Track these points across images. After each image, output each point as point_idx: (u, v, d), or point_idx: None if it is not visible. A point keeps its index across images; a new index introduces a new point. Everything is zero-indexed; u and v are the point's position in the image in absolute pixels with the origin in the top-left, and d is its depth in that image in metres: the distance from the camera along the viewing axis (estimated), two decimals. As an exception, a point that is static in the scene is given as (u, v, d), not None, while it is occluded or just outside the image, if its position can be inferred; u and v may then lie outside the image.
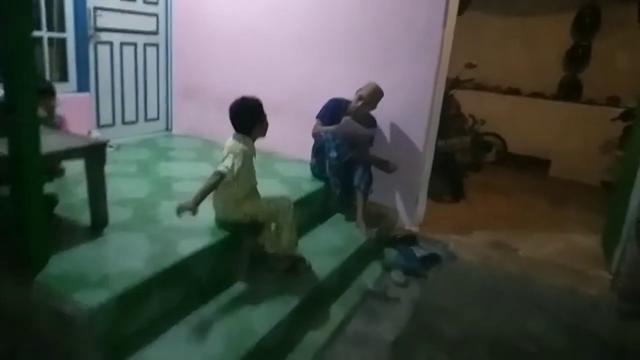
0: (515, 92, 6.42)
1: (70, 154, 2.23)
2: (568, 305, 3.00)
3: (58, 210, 2.50)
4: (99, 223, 2.39)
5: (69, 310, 1.79)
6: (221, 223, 2.56)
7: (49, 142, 2.04)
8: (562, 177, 5.99)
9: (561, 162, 6.06)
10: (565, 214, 4.72)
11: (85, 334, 1.78)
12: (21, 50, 1.78)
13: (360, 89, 3.46)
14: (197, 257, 2.28)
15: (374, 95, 3.44)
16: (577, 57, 6.07)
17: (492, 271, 3.35)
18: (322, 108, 3.60)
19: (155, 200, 2.86)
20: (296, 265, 2.62)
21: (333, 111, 3.53)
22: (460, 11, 4.90)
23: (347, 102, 3.53)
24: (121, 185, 3.06)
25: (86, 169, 2.32)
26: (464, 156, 4.73)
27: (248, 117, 2.45)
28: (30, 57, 1.88)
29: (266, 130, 2.55)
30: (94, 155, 2.31)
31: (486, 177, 5.58)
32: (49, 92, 3.04)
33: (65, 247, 2.17)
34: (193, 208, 2.22)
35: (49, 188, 2.78)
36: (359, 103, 3.42)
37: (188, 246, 2.30)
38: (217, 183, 2.32)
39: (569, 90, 6.17)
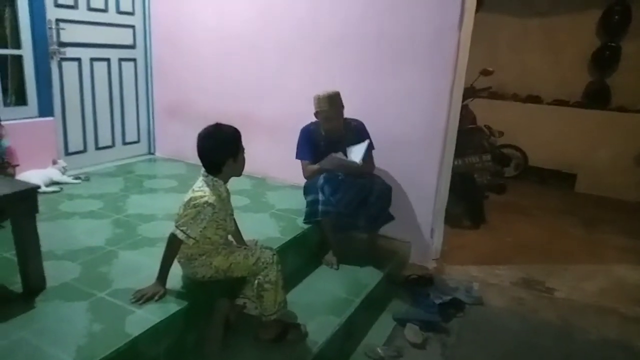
0: (535, 99, 5.84)
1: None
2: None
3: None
4: (31, 289, 1.88)
5: None
6: (188, 280, 2.04)
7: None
8: (590, 193, 5.41)
9: (589, 176, 5.47)
10: (601, 240, 4.13)
11: None
12: None
13: (315, 111, 2.87)
14: (151, 335, 1.75)
15: (333, 103, 2.79)
16: (604, 60, 5.47)
17: (526, 321, 2.78)
18: (297, 147, 2.98)
19: (112, 250, 2.35)
20: (286, 333, 2.08)
21: (309, 143, 2.94)
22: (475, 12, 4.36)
23: (317, 124, 2.93)
24: (78, 229, 2.57)
25: (12, 224, 1.82)
26: (484, 176, 4.16)
27: (216, 151, 1.93)
28: None
29: (241, 168, 2.03)
30: (22, 204, 1.80)
31: (507, 194, 5.01)
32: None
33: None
34: (158, 291, 1.91)
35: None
36: (330, 124, 2.84)
37: (141, 320, 1.78)
38: (176, 250, 1.92)
39: (596, 97, 5.57)
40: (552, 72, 5.76)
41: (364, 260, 2.93)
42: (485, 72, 4.53)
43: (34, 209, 1.84)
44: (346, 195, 2.77)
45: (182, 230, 1.87)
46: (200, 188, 1.93)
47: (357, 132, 2.94)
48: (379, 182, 2.90)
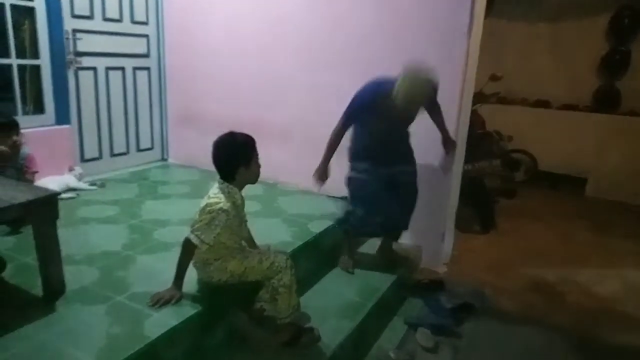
0: (544, 104, 5.84)
1: (6, 212, 1.77)
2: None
3: (5, 275, 2.06)
4: (51, 293, 1.93)
5: None
6: (204, 284, 2.08)
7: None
8: (601, 198, 5.38)
9: (600, 180, 5.45)
10: (612, 244, 4.12)
11: None
12: None
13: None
14: (169, 337, 1.79)
15: (413, 89, 2.34)
16: (614, 64, 5.47)
17: (537, 325, 2.78)
18: (352, 99, 2.60)
19: (130, 255, 2.40)
20: (299, 337, 2.11)
21: (364, 105, 2.55)
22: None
23: (393, 84, 2.41)
24: (95, 234, 2.63)
25: (33, 229, 1.87)
26: (494, 181, 4.17)
27: (229, 159, 1.98)
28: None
29: (257, 175, 2.07)
30: (43, 210, 1.86)
31: (516, 199, 5.01)
32: (9, 128, 2.63)
33: (7, 327, 1.71)
34: (174, 295, 1.96)
35: (6, 244, 2.39)
36: (400, 99, 2.36)
37: (159, 323, 1.82)
38: (191, 254, 1.96)
39: (606, 101, 5.57)
40: (561, 77, 5.76)
41: (376, 264, 2.95)
42: (494, 78, 4.56)
43: (54, 214, 1.89)
44: (378, 217, 2.74)
45: (196, 235, 1.91)
46: (216, 195, 1.98)
47: (429, 96, 2.55)
48: (411, 190, 2.81)
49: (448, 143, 2.94)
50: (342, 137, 2.70)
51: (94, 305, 1.93)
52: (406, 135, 2.76)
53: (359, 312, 2.45)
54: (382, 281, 2.81)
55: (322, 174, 2.73)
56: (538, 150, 5.63)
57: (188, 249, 1.95)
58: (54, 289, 1.94)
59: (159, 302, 1.94)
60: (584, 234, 4.32)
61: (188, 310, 1.94)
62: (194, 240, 1.92)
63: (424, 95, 2.41)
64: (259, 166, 2.06)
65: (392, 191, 2.72)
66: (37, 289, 1.97)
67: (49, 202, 1.87)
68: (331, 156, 2.72)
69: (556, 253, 3.85)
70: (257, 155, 2.04)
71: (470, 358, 2.46)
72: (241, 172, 1.98)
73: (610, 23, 5.39)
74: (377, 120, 2.57)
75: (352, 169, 2.76)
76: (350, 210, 2.79)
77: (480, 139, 4.15)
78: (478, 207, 4.14)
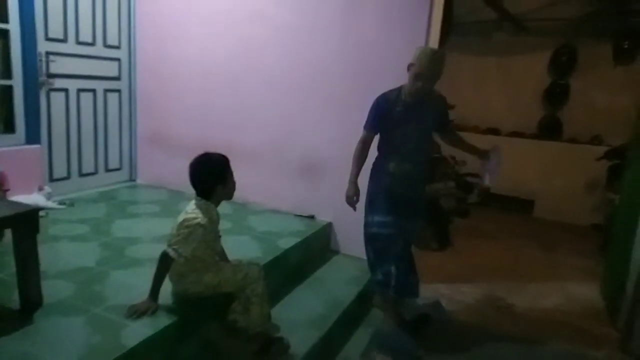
0: (494, 131, 6.30)
1: (-10, 226, 1.85)
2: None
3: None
4: (29, 306, 1.99)
5: None
6: (179, 297, 2.18)
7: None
8: (547, 218, 5.81)
9: (545, 202, 5.89)
10: (557, 260, 4.47)
11: None
12: None
13: (411, 62, 2.50)
14: (147, 346, 1.88)
15: (434, 63, 2.43)
16: (555, 96, 6.01)
17: (489, 334, 3.01)
18: (368, 112, 2.67)
19: (103, 270, 2.46)
20: (269, 346, 2.23)
21: (382, 110, 2.60)
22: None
23: (400, 88, 2.60)
24: (67, 251, 2.67)
25: (13, 242, 1.94)
26: (449, 202, 4.47)
27: (207, 178, 2.12)
28: None
29: (232, 192, 2.22)
30: (23, 225, 1.93)
31: (470, 219, 5.33)
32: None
33: (-18, 341, 1.76)
34: (150, 306, 2.06)
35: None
36: (418, 83, 2.46)
37: (136, 333, 1.91)
38: (167, 267, 2.07)
39: (549, 129, 6.07)
40: (509, 106, 6.25)
41: (340, 279, 3.13)
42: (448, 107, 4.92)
43: (35, 228, 1.97)
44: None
45: (174, 249, 2.03)
46: (193, 210, 2.11)
47: (439, 105, 2.70)
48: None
49: (483, 154, 2.87)
50: (366, 151, 2.68)
51: (72, 317, 2.00)
52: (427, 158, 2.83)
53: (325, 323, 2.60)
54: (347, 294, 2.97)
55: (353, 193, 2.68)
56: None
57: (165, 263, 2.06)
58: (32, 302, 2.00)
59: (136, 313, 2.03)
60: (532, 251, 4.66)
61: (164, 321, 2.03)
62: (172, 253, 2.03)
63: (438, 69, 2.46)
64: (234, 183, 2.21)
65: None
66: (13, 303, 2.02)
67: (30, 217, 1.95)
68: (358, 172, 2.68)
69: (506, 268, 4.15)
70: (231, 173, 2.19)
71: (428, 364, 2.63)
72: (218, 190, 2.12)
73: (551, 59, 5.94)
74: (395, 126, 2.59)
75: (374, 223, 2.70)
76: (386, 271, 2.69)
77: (436, 163, 4.44)
78: (435, 226, 4.40)
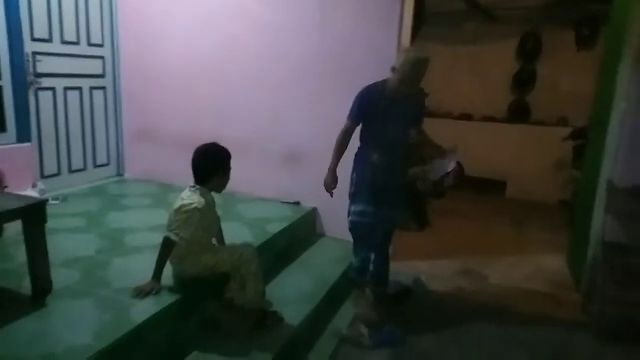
0: (467, 117, 6.57)
1: (4, 216, 1.99)
2: (547, 333, 2.94)
3: (-7, 278, 2.24)
4: (40, 291, 2.14)
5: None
6: (179, 279, 2.36)
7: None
8: (519, 198, 6.11)
9: (517, 183, 6.20)
10: (527, 235, 4.78)
11: None
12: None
13: (394, 66, 2.59)
14: (153, 321, 2.07)
15: (418, 69, 2.52)
16: (523, 81, 6.30)
17: (465, 303, 3.28)
18: (352, 104, 2.75)
19: (105, 258, 2.62)
20: (265, 320, 2.44)
21: (366, 103, 2.69)
22: (410, 43, 5.00)
23: (383, 82, 2.69)
24: (67, 242, 2.81)
25: (24, 232, 2.09)
26: (425, 184, 4.71)
27: (207, 164, 2.30)
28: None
29: (224, 185, 2.39)
30: (33, 215, 2.08)
31: (447, 201, 5.59)
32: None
33: (1, 321, 1.92)
34: (154, 287, 2.23)
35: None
36: (402, 87, 2.57)
37: (143, 310, 2.09)
38: (169, 250, 2.24)
39: (518, 113, 6.38)
40: (480, 92, 6.53)
41: (326, 259, 3.35)
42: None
43: (44, 218, 2.12)
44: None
45: (175, 233, 2.21)
46: (189, 196, 2.28)
47: (420, 100, 2.85)
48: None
49: (443, 154, 3.14)
50: (347, 142, 2.77)
51: (82, 299, 2.16)
52: (407, 150, 2.90)
53: (314, 298, 2.81)
54: (333, 273, 3.19)
55: (331, 181, 2.81)
56: (464, 157, 6.25)
57: (167, 246, 2.24)
58: (43, 287, 2.15)
59: (141, 293, 2.21)
60: (504, 228, 4.97)
61: (167, 299, 2.22)
62: (173, 237, 2.21)
63: (422, 73, 2.54)
64: (229, 178, 2.38)
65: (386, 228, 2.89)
66: (25, 289, 2.17)
67: (39, 208, 2.10)
68: (337, 162, 2.79)
69: (480, 244, 4.43)
70: (230, 168, 2.36)
71: (410, 333, 2.87)
72: (215, 179, 2.30)
73: (518, 46, 6.23)
74: (378, 118, 2.68)
75: (354, 213, 2.82)
76: (363, 258, 2.89)
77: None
78: (413, 207, 4.65)
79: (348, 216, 2.89)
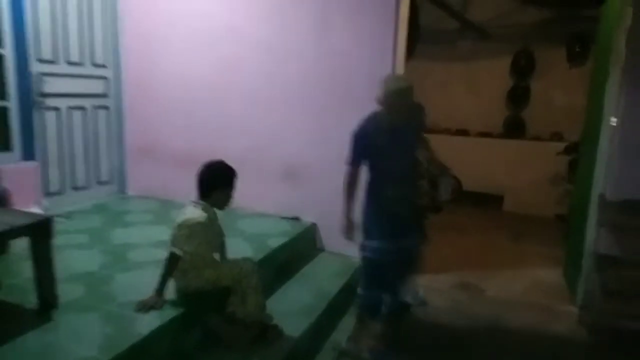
0: (463, 132, 6.68)
1: (12, 233, 2.06)
2: (540, 345, 2.99)
3: (1, 293, 2.29)
4: (47, 305, 2.20)
5: (12, 414, 1.59)
6: (182, 293, 2.41)
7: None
8: (515, 212, 6.19)
9: (513, 197, 6.28)
10: (525, 249, 4.83)
11: None
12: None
13: (378, 97, 2.53)
14: (157, 335, 2.12)
15: (401, 98, 2.46)
16: (517, 97, 6.44)
17: (463, 316, 3.33)
18: (349, 149, 2.64)
19: (109, 273, 2.68)
20: (265, 333, 2.48)
21: (363, 145, 2.60)
22: (406, 60, 5.12)
23: (375, 116, 2.62)
24: (72, 258, 2.87)
25: (31, 248, 2.15)
26: (423, 199, 4.78)
27: (210, 179, 2.37)
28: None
29: (227, 202, 2.46)
30: (40, 231, 2.15)
31: (444, 216, 5.65)
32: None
33: (9, 335, 1.97)
34: (158, 301, 2.28)
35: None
36: (393, 117, 2.51)
37: (146, 324, 2.15)
38: (174, 265, 2.29)
39: (514, 128, 6.49)
40: (476, 109, 6.65)
41: (325, 274, 3.40)
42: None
43: (51, 234, 2.18)
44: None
45: (179, 248, 2.28)
46: (192, 212, 2.35)
47: (418, 115, 2.69)
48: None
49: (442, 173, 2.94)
50: (355, 184, 2.69)
51: (87, 313, 2.22)
52: (413, 175, 2.75)
53: (314, 312, 2.86)
54: (333, 287, 3.24)
55: (349, 228, 2.73)
56: (461, 172, 6.37)
57: (172, 261, 2.30)
58: (49, 302, 2.21)
59: (145, 307, 2.26)
60: (501, 242, 5.02)
61: (170, 313, 2.28)
62: (178, 252, 2.27)
63: (410, 99, 2.48)
64: (231, 197, 2.45)
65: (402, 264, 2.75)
66: (31, 304, 2.22)
67: (46, 224, 2.17)
68: (350, 205, 2.71)
69: (478, 258, 4.48)
70: (233, 187, 2.44)
71: (409, 344, 2.92)
72: (217, 194, 2.37)
73: (512, 63, 6.37)
74: (382, 155, 2.58)
75: (370, 249, 2.71)
76: (375, 298, 2.78)
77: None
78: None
79: (361, 251, 2.76)
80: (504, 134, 6.53)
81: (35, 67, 3.63)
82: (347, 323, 3.07)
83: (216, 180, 2.38)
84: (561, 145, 5.53)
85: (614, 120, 3.11)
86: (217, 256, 2.61)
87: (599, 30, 3.69)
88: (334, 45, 3.68)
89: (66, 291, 2.38)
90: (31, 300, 2.23)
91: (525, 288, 3.86)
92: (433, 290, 3.68)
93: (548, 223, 5.65)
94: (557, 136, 6.07)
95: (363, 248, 2.74)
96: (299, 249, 3.62)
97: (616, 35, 3.11)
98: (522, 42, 6.24)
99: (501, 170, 6.25)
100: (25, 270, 2.36)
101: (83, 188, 4.15)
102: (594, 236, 3.21)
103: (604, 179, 3.19)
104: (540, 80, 6.29)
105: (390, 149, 2.57)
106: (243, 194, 4.02)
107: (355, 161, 2.66)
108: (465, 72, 6.66)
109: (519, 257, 4.58)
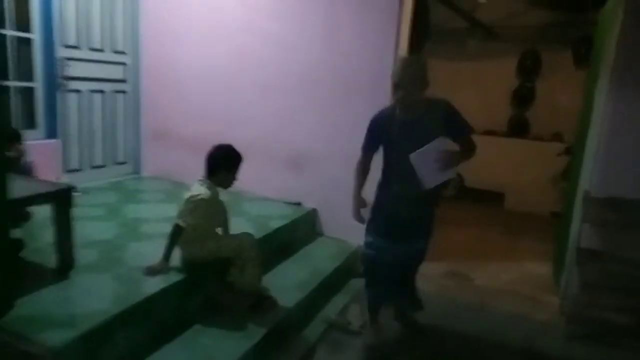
0: (469, 130, 6.81)
1: (37, 199, 2.32)
2: (519, 331, 3.17)
3: (24, 254, 2.55)
4: (65, 266, 2.45)
5: (34, 350, 1.84)
6: (186, 262, 2.65)
7: (16, 187, 2.13)
8: (516, 210, 6.32)
9: (515, 195, 6.41)
10: (519, 245, 4.99)
11: (50, 373, 1.83)
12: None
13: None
14: (162, 295, 2.37)
15: (408, 69, 2.34)
16: (522, 97, 6.57)
17: (449, 300, 3.52)
18: (365, 134, 2.64)
19: (122, 242, 2.94)
20: (261, 302, 2.71)
21: (374, 131, 2.58)
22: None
23: (393, 106, 2.54)
24: (88, 228, 3.12)
25: (53, 213, 2.41)
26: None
27: (219, 159, 2.60)
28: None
29: (230, 183, 2.68)
30: (61, 199, 2.40)
31: (444, 211, 5.80)
32: (16, 137, 3.12)
33: (32, 290, 2.23)
34: (165, 267, 2.51)
35: (15, 233, 2.86)
36: (398, 93, 2.37)
37: (153, 285, 2.39)
38: (178, 235, 2.53)
39: (518, 128, 6.62)
40: (482, 107, 6.77)
41: (322, 255, 3.62)
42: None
43: (70, 202, 2.43)
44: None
45: (183, 220, 2.51)
46: (197, 189, 2.59)
47: (441, 113, 2.44)
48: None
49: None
50: (365, 170, 2.68)
51: (100, 274, 2.48)
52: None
53: (308, 287, 3.09)
54: (328, 267, 3.46)
55: (357, 206, 2.70)
56: (464, 169, 6.50)
57: (176, 231, 2.54)
58: (67, 263, 2.46)
59: (152, 271, 2.51)
60: (497, 236, 5.19)
61: (175, 277, 2.52)
62: (181, 223, 2.51)
63: (417, 75, 2.34)
64: (235, 178, 2.68)
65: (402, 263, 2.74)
66: (51, 265, 2.47)
67: (68, 193, 2.42)
68: (360, 186, 2.69)
69: (471, 250, 4.66)
70: (237, 169, 2.66)
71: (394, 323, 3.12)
72: (222, 174, 2.60)
73: (518, 63, 6.49)
74: (393, 145, 2.51)
75: (364, 244, 2.76)
76: (375, 294, 2.85)
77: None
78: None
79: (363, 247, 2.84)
80: (508, 133, 6.66)
81: (60, 52, 3.89)
82: (339, 301, 3.29)
83: (223, 162, 2.61)
84: (561, 146, 5.66)
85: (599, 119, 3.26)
86: (220, 231, 2.84)
87: (595, 34, 3.83)
88: (339, 40, 3.87)
89: (82, 255, 2.63)
90: (51, 262, 2.49)
91: (512, 279, 4.03)
92: (423, 276, 3.84)
93: (546, 221, 5.78)
94: (557, 137, 6.18)
95: (364, 244, 2.78)
96: (298, 232, 3.85)
97: (608, 39, 3.26)
98: (529, 43, 6.36)
99: (504, 169, 6.37)
100: (46, 236, 2.64)
101: (100, 167, 4.43)
102: (577, 231, 3.36)
103: (590, 176, 3.34)
104: (546, 81, 6.41)
105: (403, 142, 2.42)
106: (249, 178, 4.27)
107: (366, 148, 2.64)
108: (472, 71, 6.80)
109: (511, 251, 4.74)
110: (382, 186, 2.65)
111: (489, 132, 6.72)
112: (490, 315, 3.36)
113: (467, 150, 2.57)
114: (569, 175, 4.92)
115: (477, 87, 6.79)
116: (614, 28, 3.19)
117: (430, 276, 3.88)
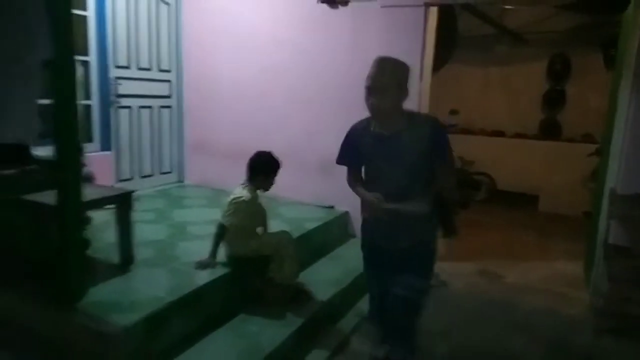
0: (499, 134, 6.89)
1: (104, 201, 2.65)
2: (549, 325, 3.26)
3: (89, 252, 2.89)
4: (126, 261, 2.77)
5: (106, 329, 2.14)
6: (231, 258, 2.91)
7: (85, 193, 2.45)
8: (551, 212, 6.31)
9: (548, 196, 6.41)
10: (550, 245, 5.03)
11: (121, 349, 2.12)
12: (67, 118, 2.24)
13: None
14: (210, 286, 2.64)
15: (382, 71, 2.08)
16: (552, 100, 6.59)
17: (479, 297, 3.65)
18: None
19: (173, 242, 3.25)
20: (299, 296, 2.95)
21: (348, 144, 2.31)
22: (443, 64, 5.47)
23: (368, 118, 2.26)
24: (143, 229, 3.44)
25: (116, 214, 2.73)
26: (452, 195, 5.10)
27: (256, 166, 2.87)
28: (75, 124, 2.34)
29: (269, 186, 2.92)
30: (123, 202, 2.73)
31: (476, 214, 5.92)
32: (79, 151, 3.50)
33: (100, 281, 2.55)
34: (212, 262, 2.79)
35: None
36: (370, 99, 2.09)
37: (203, 277, 2.67)
38: (222, 233, 2.80)
39: (550, 130, 6.64)
40: (511, 111, 6.85)
41: (354, 256, 3.81)
42: (452, 112, 5.61)
43: (131, 205, 2.76)
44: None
45: (226, 220, 2.78)
46: (240, 192, 2.86)
47: (428, 132, 2.09)
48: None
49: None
50: (353, 181, 2.35)
51: (157, 268, 2.78)
52: (419, 186, 2.19)
53: (341, 284, 3.30)
54: (360, 266, 3.58)
55: (370, 197, 2.16)
56: (496, 172, 6.60)
57: (220, 230, 2.81)
58: (128, 258, 2.78)
59: (201, 265, 2.79)
60: (529, 238, 5.24)
61: (221, 271, 2.80)
62: (225, 222, 2.78)
63: (390, 79, 2.08)
64: (273, 182, 2.93)
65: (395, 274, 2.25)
66: (114, 261, 2.79)
67: (129, 196, 2.75)
68: (362, 189, 2.27)
69: (503, 250, 4.75)
70: (275, 175, 2.91)
71: (425, 317, 3.27)
72: (262, 178, 2.86)
73: (547, 68, 6.54)
74: (368, 159, 2.24)
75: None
76: (370, 310, 2.68)
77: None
78: (440, 216, 5.03)
79: None
80: (539, 136, 6.68)
81: (113, 72, 4.30)
82: (372, 296, 3.47)
83: (263, 167, 2.87)
84: (593, 147, 5.65)
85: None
86: (260, 230, 3.10)
87: (619, 36, 3.91)
88: (367, 49, 4.09)
89: (140, 253, 2.94)
90: (113, 258, 2.81)
91: (543, 276, 4.10)
92: (454, 274, 4.01)
93: (578, 221, 5.76)
94: (588, 138, 6.17)
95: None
96: (331, 233, 4.07)
97: (629, 42, 3.35)
98: (557, 47, 6.40)
99: (537, 171, 6.39)
100: (105, 236, 2.97)
101: (149, 176, 4.82)
102: (604, 228, 3.44)
103: (616, 174, 3.42)
104: (576, 84, 6.42)
105: (377, 158, 2.18)
106: (284, 183, 4.53)
107: (340, 161, 2.36)
108: (501, 76, 6.89)
109: (543, 251, 4.80)
110: (363, 206, 2.31)
111: (520, 135, 6.77)
112: (519, 310, 3.47)
113: (446, 181, 2.33)
114: (597, 175, 4.96)
115: (506, 92, 6.88)
116: (635, 31, 3.29)
117: (461, 274, 4.02)
